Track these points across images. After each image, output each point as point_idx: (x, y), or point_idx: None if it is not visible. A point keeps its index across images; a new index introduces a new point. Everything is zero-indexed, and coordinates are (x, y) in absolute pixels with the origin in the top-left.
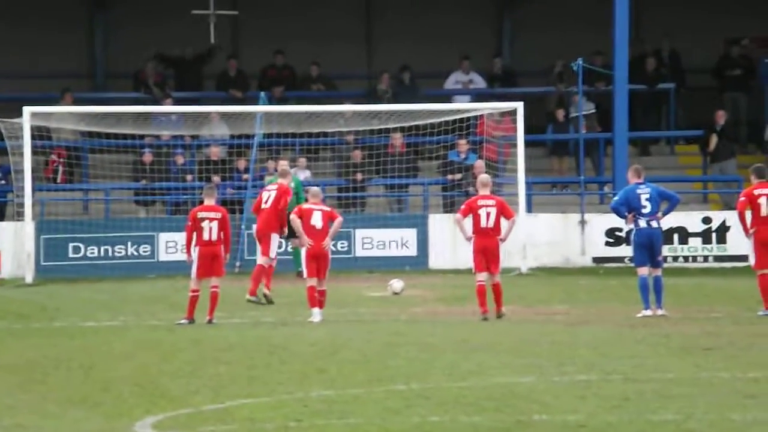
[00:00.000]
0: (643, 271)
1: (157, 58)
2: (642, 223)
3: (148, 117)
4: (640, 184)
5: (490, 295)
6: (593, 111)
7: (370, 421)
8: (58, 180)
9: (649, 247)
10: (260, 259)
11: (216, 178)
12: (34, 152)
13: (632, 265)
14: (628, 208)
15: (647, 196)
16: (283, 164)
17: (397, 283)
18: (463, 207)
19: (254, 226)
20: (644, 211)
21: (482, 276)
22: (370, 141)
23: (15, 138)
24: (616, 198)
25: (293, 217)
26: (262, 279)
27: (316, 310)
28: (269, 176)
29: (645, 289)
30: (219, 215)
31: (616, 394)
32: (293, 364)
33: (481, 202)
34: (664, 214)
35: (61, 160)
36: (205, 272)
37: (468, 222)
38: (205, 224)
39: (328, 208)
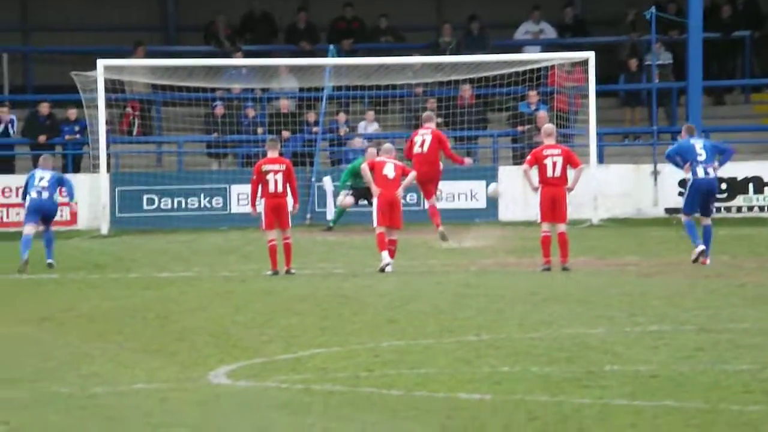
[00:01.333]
0: (688, 218)
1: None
2: (700, 171)
3: (219, 70)
4: (693, 137)
5: (555, 247)
6: (670, 62)
7: (441, 371)
8: (134, 133)
9: (705, 196)
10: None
11: (286, 132)
12: (108, 105)
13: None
14: (683, 158)
15: (701, 145)
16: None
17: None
18: (529, 157)
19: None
20: (700, 159)
21: (547, 226)
22: (439, 93)
23: (89, 91)
24: (670, 148)
25: (364, 167)
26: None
27: (385, 254)
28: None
29: (692, 228)
30: (283, 167)
31: (689, 345)
32: (364, 314)
33: (546, 152)
34: (720, 164)
35: (136, 113)
36: (272, 224)
37: (535, 172)
38: (270, 177)
39: (400, 163)
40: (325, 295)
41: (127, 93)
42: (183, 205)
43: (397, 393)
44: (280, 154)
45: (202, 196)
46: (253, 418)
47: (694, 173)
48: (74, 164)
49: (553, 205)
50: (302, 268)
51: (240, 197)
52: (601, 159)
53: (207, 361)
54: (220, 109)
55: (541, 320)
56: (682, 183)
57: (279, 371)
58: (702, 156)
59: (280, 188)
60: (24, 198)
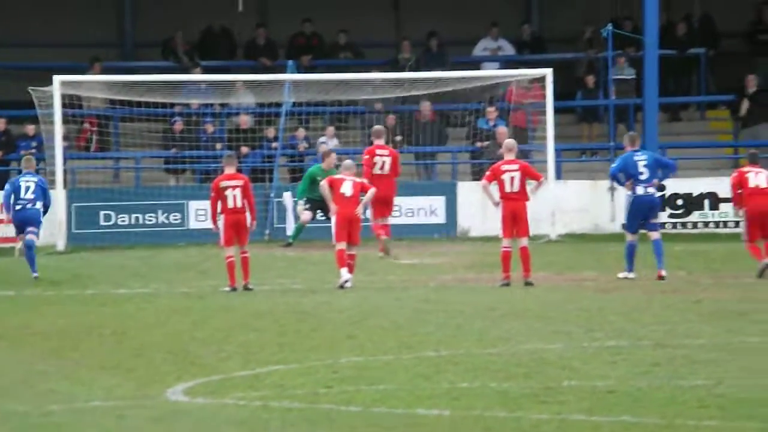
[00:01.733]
0: (633, 238)
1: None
2: (639, 190)
3: (177, 86)
4: (636, 151)
5: (516, 262)
6: (633, 77)
7: (400, 387)
8: (92, 149)
9: (646, 213)
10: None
11: (245, 148)
12: (65, 121)
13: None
14: (626, 174)
15: (644, 162)
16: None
17: None
18: (488, 173)
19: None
20: (641, 177)
21: (508, 242)
22: (398, 109)
23: (46, 106)
24: (614, 165)
25: (323, 184)
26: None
27: (344, 270)
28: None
29: (632, 253)
30: (241, 182)
31: (646, 360)
32: (323, 330)
33: (504, 167)
34: (660, 180)
35: (94, 129)
36: (232, 240)
37: (495, 187)
38: (228, 192)
39: (359, 180)
40: (284, 311)
41: (85, 108)
42: (140, 221)
43: (356, 409)
44: (238, 170)
45: (159, 212)
46: None
47: (634, 191)
48: None
49: (514, 220)
50: (261, 284)
51: (198, 213)
52: (559, 175)
53: (164, 378)
54: (178, 125)
55: (499, 336)
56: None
57: (237, 388)
58: (644, 175)
59: (239, 204)
60: (7, 205)
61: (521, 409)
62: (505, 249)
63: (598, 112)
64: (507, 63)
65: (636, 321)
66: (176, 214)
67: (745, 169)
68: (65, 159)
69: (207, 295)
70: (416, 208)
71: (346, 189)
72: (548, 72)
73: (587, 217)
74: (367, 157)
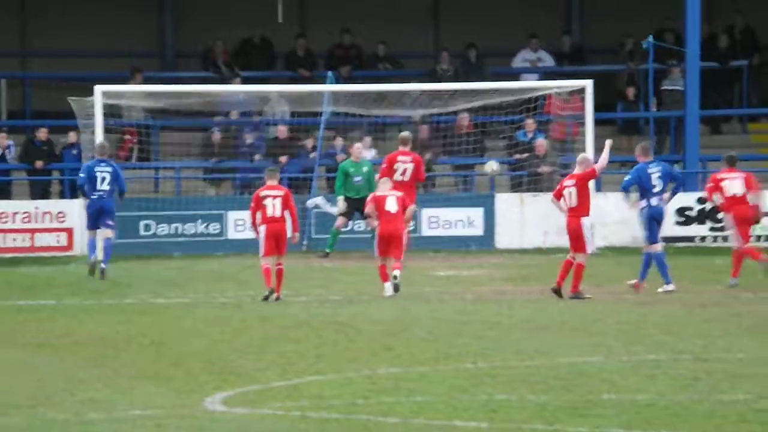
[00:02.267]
0: (658, 248)
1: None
2: (654, 201)
3: (217, 96)
4: (650, 162)
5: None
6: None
7: (438, 398)
8: (133, 159)
9: (657, 224)
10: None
11: (283, 158)
12: (106, 130)
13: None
14: (640, 188)
15: (658, 174)
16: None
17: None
18: (556, 188)
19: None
20: (654, 190)
21: (571, 254)
22: (437, 120)
23: (86, 116)
24: (627, 178)
25: (370, 205)
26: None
27: (388, 285)
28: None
29: (663, 264)
30: (282, 193)
31: (685, 374)
32: (360, 341)
33: (565, 183)
34: (672, 193)
35: (134, 139)
36: (272, 250)
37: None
38: (268, 201)
39: (400, 194)
40: (321, 322)
41: (125, 119)
42: (180, 230)
43: (394, 421)
44: (280, 183)
45: (198, 222)
46: None
47: (648, 203)
48: (71, 189)
49: (569, 235)
50: (298, 295)
51: (237, 223)
52: (599, 187)
53: (203, 388)
54: (217, 135)
55: (537, 348)
56: (681, 211)
57: (275, 398)
58: (657, 187)
59: (278, 213)
60: (83, 189)
61: (559, 422)
62: (568, 258)
63: (638, 124)
64: (546, 74)
65: (676, 335)
66: (215, 224)
67: (720, 175)
68: None
69: (245, 305)
70: (454, 220)
71: (391, 206)
72: (588, 83)
73: (627, 230)
74: (384, 165)
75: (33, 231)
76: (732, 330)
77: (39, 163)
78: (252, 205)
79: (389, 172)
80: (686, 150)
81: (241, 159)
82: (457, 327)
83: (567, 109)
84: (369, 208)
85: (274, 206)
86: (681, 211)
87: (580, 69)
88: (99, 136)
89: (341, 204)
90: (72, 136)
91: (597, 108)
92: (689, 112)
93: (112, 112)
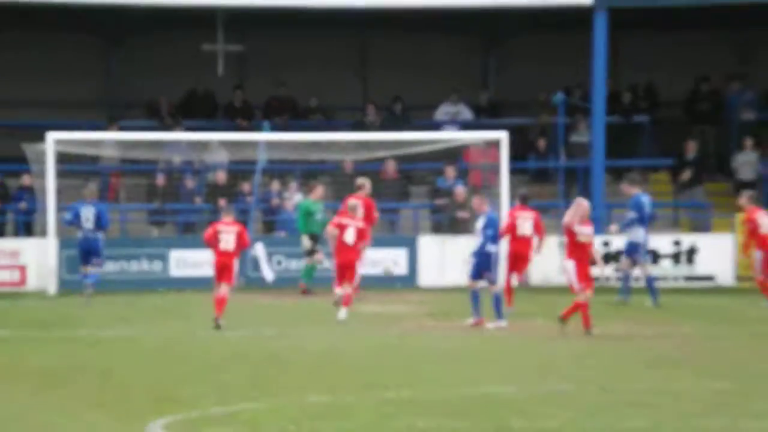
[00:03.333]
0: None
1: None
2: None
3: (160, 143)
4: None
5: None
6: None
7: (364, 425)
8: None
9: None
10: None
11: (222, 201)
12: (58, 175)
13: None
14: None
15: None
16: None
17: None
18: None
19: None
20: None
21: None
22: (364, 167)
23: (37, 162)
24: (629, 217)
25: (331, 229)
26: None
27: (344, 310)
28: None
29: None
30: (236, 228)
31: (591, 403)
32: (293, 371)
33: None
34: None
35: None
36: (221, 279)
37: None
38: (222, 236)
39: (361, 224)
40: (257, 354)
41: (74, 163)
42: (125, 268)
43: None
44: (234, 219)
45: (143, 259)
46: None
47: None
48: (25, 229)
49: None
50: (237, 328)
51: (178, 262)
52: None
53: (145, 415)
54: (161, 180)
55: (456, 378)
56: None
57: (212, 424)
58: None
59: (230, 247)
60: (72, 224)
61: None
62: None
63: (548, 173)
64: (465, 126)
65: (583, 366)
66: (158, 262)
67: (516, 213)
68: (57, 210)
69: (185, 338)
70: (380, 260)
71: (349, 237)
72: (503, 135)
73: (540, 269)
74: (341, 208)
75: None
76: (633, 363)
77: None
78: (209, 231)
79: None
80: (592, 197)
81: (182, 202)
82: (382, 359)
83: (484, 158)
84: (331, 230)
85: (227, 240)
86: None
87: (496, 122)
88: (51, 180)
89: (306, 242)
90: (26, 179)
91: (511, 158)
92: (595, 163)
93: (61, 158)
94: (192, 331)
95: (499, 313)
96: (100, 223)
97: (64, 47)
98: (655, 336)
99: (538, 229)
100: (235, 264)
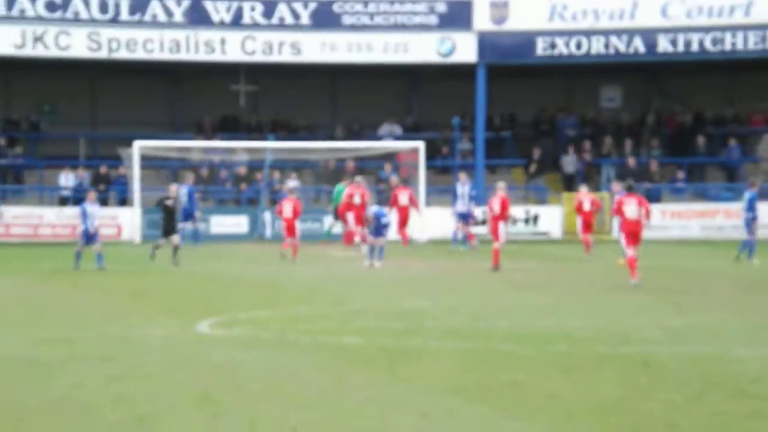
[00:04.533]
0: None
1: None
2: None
3: (206, 149)
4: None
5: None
6: (470, 147)
7: (334, 325)
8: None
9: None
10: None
11: (244, 185)
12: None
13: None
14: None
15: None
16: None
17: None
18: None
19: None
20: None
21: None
22: (337, 165)
23: (128, 159)
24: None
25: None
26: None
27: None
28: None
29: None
30: (293, 203)
31: (474, 311)
32: (288, 293)
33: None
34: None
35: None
36: (290, 234)
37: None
38: (285, 205)
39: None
40: (261, 281)
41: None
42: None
43: (306, 339)
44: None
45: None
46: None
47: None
48: (120, 201)
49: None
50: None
51: (216, 224)
52: (428, 204)
53: (196, 318)
54: (205, 171)
55: (393, 297)
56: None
57: (238, 324)
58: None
59: (289, 214)
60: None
61: (402, 337)
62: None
63: (448, 168)
64: (398, 138)
65: (470, 288)
66: (203, 224)
67: (623, 200)
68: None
69: (223, 272)
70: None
71: (351, 220)
72: (421, 145)
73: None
74: (348, 192)
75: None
76: (501, 285)
77: (101, 187)
78: (278, 207)
79: (349, 198)
80: (476, 185)
81: (218, 185)
82: (346, 286)
83: (409, 159)
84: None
85: (287, 211)
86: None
87: (417, 136)
88: (136, 172)
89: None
90: (121, 170)
91: (427, 158)
92: (477, 162)
93: (143, 158)
94: (227, 267)
95: (380, 256)
96: (190, 199)
97: (145, 87)
98: (514, 269)
99: (644, 205)
100: (297, 225)
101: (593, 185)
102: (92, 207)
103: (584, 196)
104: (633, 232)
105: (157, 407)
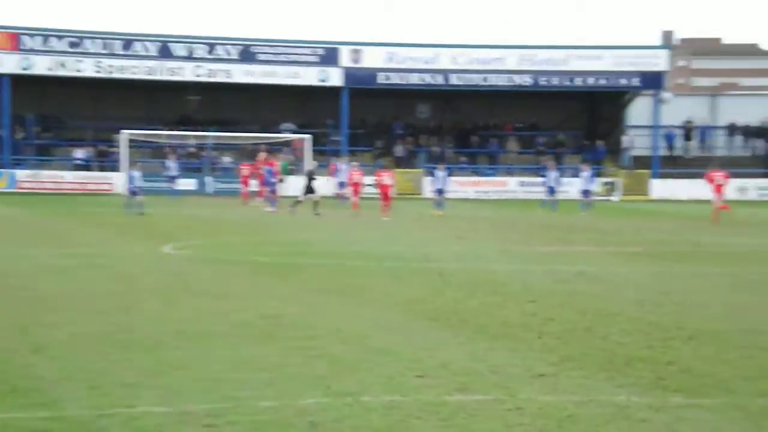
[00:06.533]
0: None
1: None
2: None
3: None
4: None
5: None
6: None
7: (302, 262)
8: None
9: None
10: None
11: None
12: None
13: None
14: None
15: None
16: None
17: None
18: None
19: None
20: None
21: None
22: (253, 147)
23: (118, 146)
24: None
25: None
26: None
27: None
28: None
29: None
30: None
31: (337, 240)
32: (271, 234)
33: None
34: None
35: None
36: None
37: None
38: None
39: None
40: (249, 223)
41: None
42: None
43: (301, 261)
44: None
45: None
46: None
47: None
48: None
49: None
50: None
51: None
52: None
53: (160, 243)
54: (169, 150)
55: (349, 243)
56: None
57: (209, 248)
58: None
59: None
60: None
61: (343, 295)
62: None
63: (325, 154)
64: (294, 132)
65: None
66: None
67: (712, 175)
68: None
69: (222, 215)
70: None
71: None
72: (308, 137)
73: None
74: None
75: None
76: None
77: (104, 159)
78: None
79: (357, 175)
80: (344, 164)
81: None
82: (310, 234)
83: (300, 146)
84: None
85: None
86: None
87: (306, 131)
88: (124, 155)
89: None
90: (115, 149)
91: (313, 146)
92: (343, 149)
93: (132, 144)
94: (185, 211)
95: (272, 204)
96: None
97: (131, 96)
98: (368, 217)
99: (726, 178)
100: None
101: (412, 165)
102: (135, 173)
103: (383, 173)
104: (384, 193)
105: (136, 299)
